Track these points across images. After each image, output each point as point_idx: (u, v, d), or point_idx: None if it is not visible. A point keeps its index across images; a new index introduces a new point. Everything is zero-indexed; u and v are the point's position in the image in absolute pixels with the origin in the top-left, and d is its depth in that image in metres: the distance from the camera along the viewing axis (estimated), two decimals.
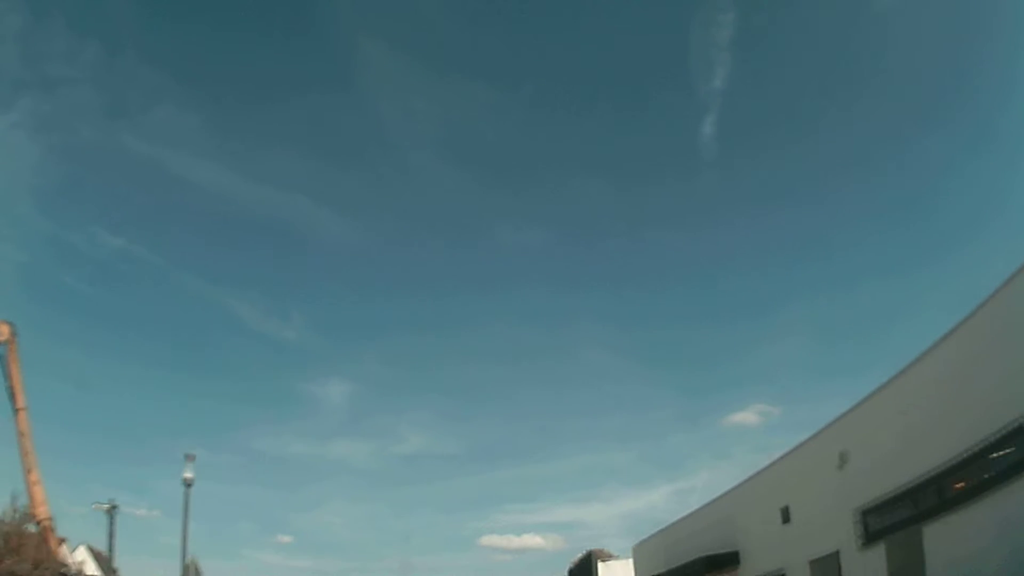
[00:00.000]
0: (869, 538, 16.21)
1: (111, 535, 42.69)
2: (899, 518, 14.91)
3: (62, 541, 39.77)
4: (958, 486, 12.84)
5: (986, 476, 11.87)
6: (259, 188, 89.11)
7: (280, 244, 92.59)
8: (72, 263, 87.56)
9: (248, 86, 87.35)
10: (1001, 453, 11.33)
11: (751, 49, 74.66)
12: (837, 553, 17.48)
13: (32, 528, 33.74)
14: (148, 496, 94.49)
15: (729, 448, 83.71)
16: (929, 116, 71.87)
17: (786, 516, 20.65)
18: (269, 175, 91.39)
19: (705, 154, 79.25)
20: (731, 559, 23.62)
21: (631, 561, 35.16)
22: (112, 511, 42.40)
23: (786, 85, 78.16)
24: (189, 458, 22.07)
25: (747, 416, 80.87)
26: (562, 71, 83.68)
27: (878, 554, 15.58)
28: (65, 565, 38.46)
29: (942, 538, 13.18)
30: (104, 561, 54.01)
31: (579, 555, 51.66)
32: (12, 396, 34.75)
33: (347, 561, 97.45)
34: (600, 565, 30.71)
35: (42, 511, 34.10)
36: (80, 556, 51.92)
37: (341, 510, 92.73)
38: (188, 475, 21.60)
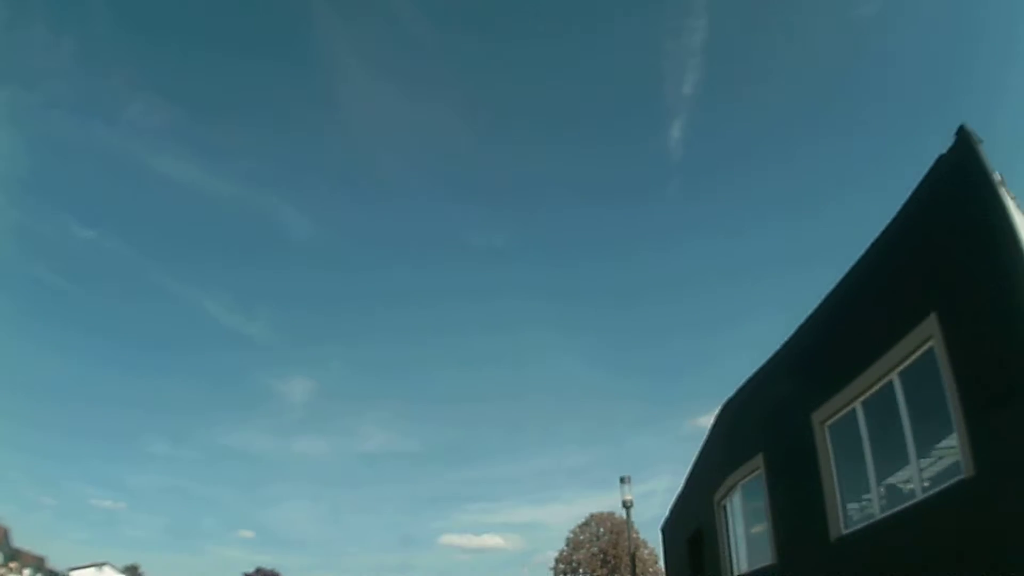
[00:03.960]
0: None
1: None
2: None
3: None
4: None
5: None
6: (232, 187, 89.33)
7: (250, 242, 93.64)
8: (43, 254, 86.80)
9: (225, 89, 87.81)
10: None
11: (722, 55, 73.98)
12: None
13: None
14: (114, 489, 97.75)
15: (692, 453, 79.46)
16: (910, 128, 68.69)
17: None
18: (243, 175, 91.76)
19: (673, 160, 79.09)
20: None
21: None
22: None
23: (758, 91, 76.91)
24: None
25: (711, 420, 77.69)
26: (534, 81, 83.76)
27: None
28: None
29: None
30: None
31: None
32: None
33: (308, 558, 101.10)
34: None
35: None
36: None
37: (303, 507, 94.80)
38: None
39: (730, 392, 14.58)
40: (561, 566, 60.35)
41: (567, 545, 60.15)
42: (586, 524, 60.56)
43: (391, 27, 78.71)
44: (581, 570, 58.64)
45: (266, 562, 72.46)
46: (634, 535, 61.45)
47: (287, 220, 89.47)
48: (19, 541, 60.54)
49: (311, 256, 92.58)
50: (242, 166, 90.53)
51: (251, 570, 68.71)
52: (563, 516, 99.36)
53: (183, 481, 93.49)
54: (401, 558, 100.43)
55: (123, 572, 65.93)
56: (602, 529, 59.26)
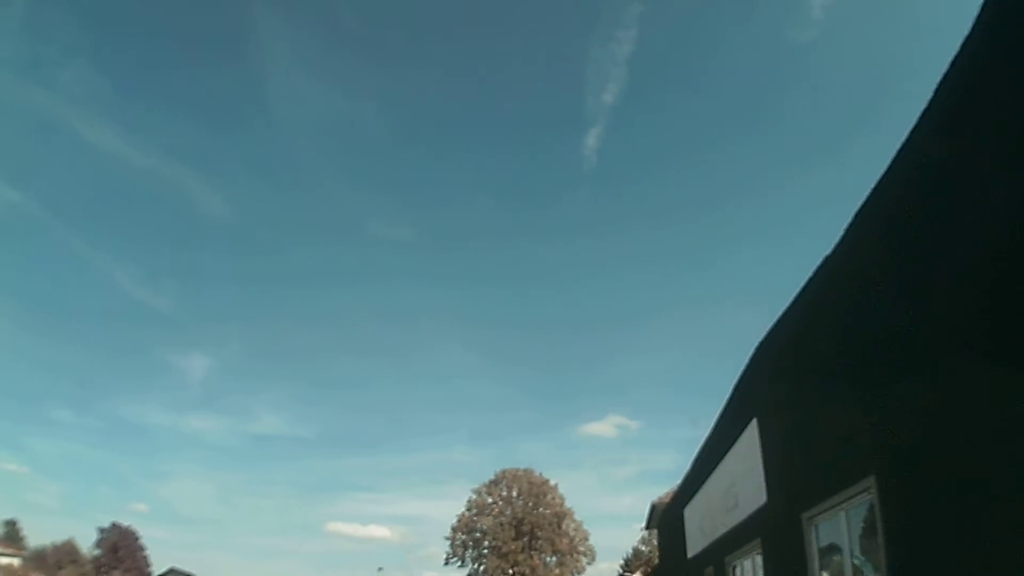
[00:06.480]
0: None
1: None
2: None
3: None
4: None
5: None
6: (152, 158, 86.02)
7: (164, 218, 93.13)
8: None
9: (154, 64, 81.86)
10: None
11: (649, 67, 75.26)
12: None
13: None
14: (16, 452, 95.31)
15: (583, 459, 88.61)
16: (827, 151, 73.49)
17: None
18: (165, 147, 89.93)
19: (586, 167, 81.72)
20: None
21: None
22: None
23: (680, 105, 78.94)
24: None
25: (603, 427, 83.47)
26: (450, 77, 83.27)
27: None
28: None
29: None
30: None
31: None
32: None
33: (199, 536, 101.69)
34: None
35: None
36: None
37: (196, 485, 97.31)
38: None
39: None
40: (460, 535, 46.62)
41: (469, 509, 46.48)
42: (495, 483, 47.24)
43: (321, 20, 78.00)
44: (486, 542, 45.17)
45: (156, 536, 73.70)
46: (558, 500, 49.44)
47: (202, 199, 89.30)
48: None
49: (221, 236, 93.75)
50: (163, 142, 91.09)
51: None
52: (450, 512, 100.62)
53: (84, 449, 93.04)
54: (287, 543, 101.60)
55: (3, 525, 65.81)
56: (516, 491, 45.98)
